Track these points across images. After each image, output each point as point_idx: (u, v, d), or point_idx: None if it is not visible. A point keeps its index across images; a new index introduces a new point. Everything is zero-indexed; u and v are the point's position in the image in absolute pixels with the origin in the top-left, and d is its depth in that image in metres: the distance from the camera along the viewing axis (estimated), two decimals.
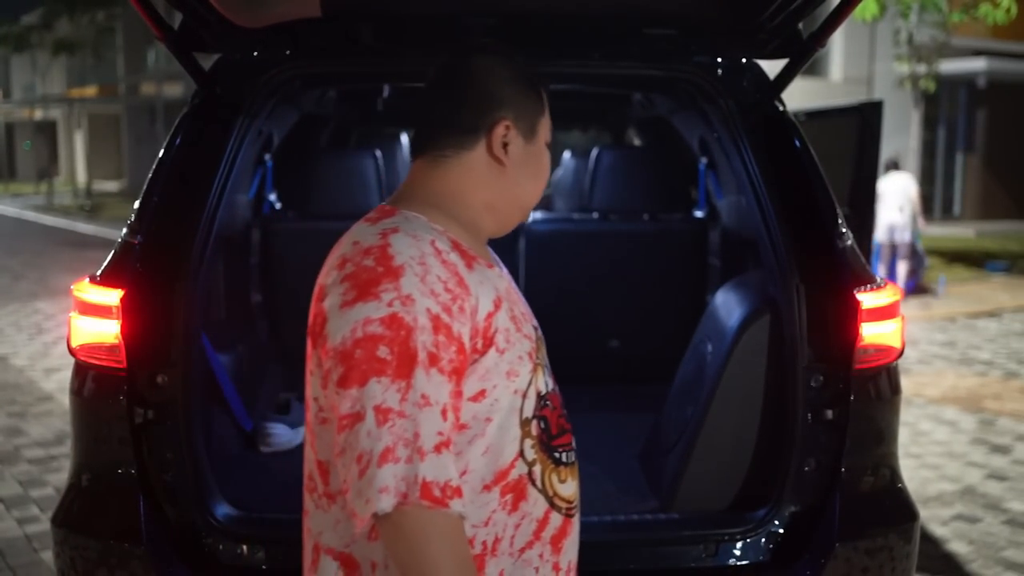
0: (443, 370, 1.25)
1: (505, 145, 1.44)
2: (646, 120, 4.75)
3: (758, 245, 2.52)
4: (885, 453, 2.41)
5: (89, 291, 2.27)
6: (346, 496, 1.25)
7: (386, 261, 1.28)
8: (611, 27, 2.59)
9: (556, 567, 1.44)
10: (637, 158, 4.56)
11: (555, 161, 5.30)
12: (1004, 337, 8.86)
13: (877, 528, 2.34)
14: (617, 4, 2.41)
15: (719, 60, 2.62)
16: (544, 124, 1.51)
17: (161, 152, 2.45)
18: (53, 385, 6.65)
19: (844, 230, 2.41)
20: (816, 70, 19.91)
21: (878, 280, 2.39)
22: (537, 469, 1.39)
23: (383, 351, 1.23)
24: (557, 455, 1.43)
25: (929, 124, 19.75)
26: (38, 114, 38.34)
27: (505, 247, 3.33)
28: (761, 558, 2.29)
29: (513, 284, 1.49)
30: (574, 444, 1.49)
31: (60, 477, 4.63)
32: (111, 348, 2.23)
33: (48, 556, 3.72)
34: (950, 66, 17.48)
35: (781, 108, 2.59)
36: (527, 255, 3.81)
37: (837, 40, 19.48)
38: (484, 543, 1.36)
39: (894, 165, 11.01)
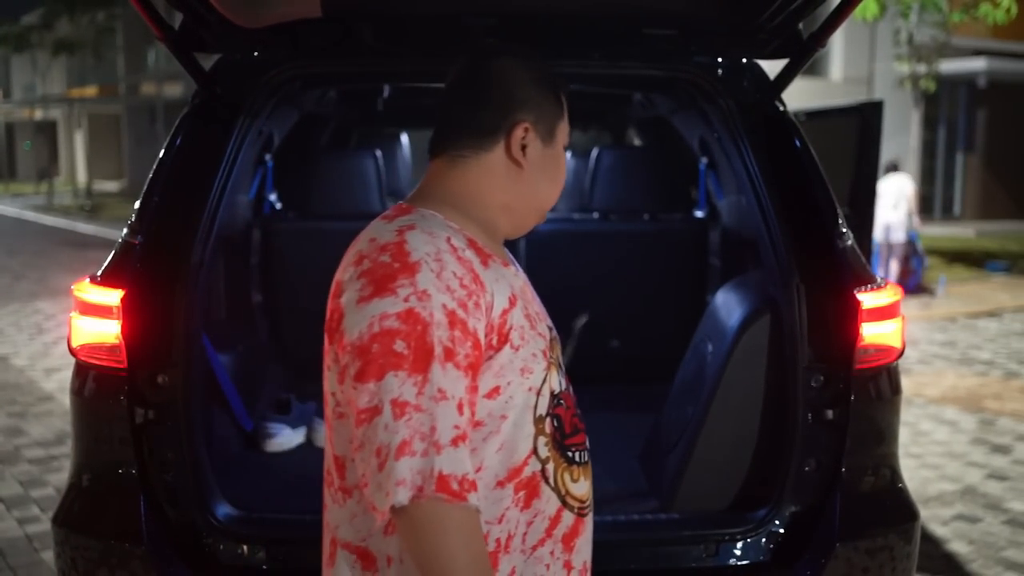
0: (459, 365, 1.26)
1: (523, 147, 1.45)
2: (646, 120, 4.75)
3: (758, 245, 2.52)
4: (885, 453, 2.41)
5: (90, 291, 2.27)
6: (364, 490, 1.26)
7: (402, 257, 1.29)
8: (611, 27, 2.59)
9: (568, 565, 1.44)
10: (637, 158, 4.56)
11: None
12: (1004, 337, 8.86)
13: (877, 528, 2.34)
14: (617, 4, 2.41)
15: (719, 60, 2.62)
16: (563, 127, 1.52)
17: (161, 152, 2.45)
18: (53, 385, 6.65)
19: (844, 230, 2.41)
20: (816, 70, 19.91)
21: (878, 280, 2.39)
22: (550, 467, 1.40)
23: (400, 345, 1.24)
24: (570, 454, 1.44)
25: (929, 124, 19.75)
26: (38, 114, 38.34)
27: (506, 247, 3.32)
28: (761, 558, 2.29)
29: (528, 283, 1.50)
30: (588, 444, 1.50)
31: (61, 477, 4.64)
32: (112, 348, 2.23)
33: (49, 556, 3.73)
34: (950, 66, 17.49)
35: (781, 108, 2.59)
36: (527, 255, 3.81)
37: (837, 40, 19.48)
38: (498, 540, 1.37)
39: (894, 167, 11.03)
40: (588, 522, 1.49)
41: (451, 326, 1.26)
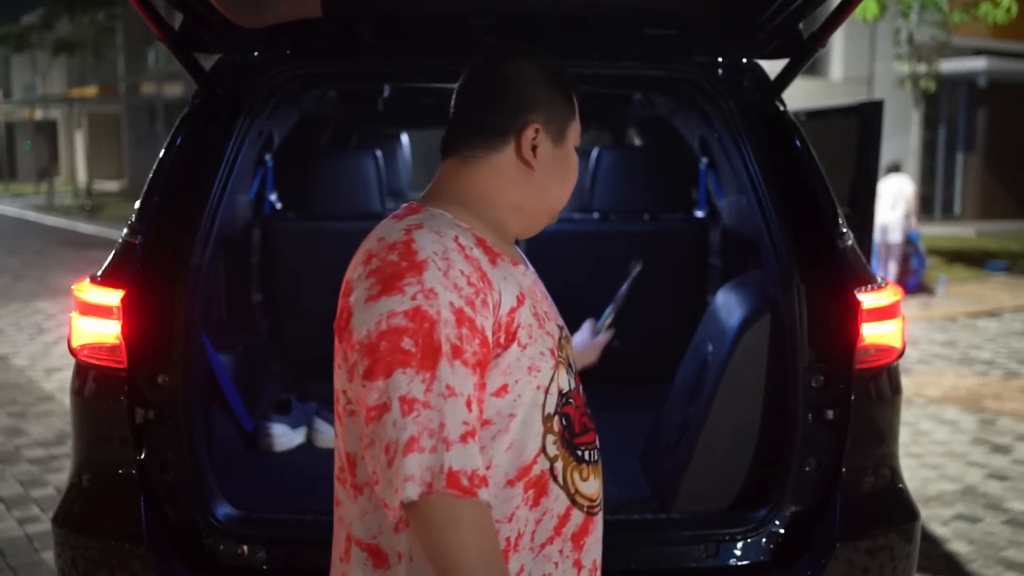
0: (467, 362, 1.27)
1: (534, 148, 1.45)
2: (646, 120, 4.75)
3: (758, 245, 2.52)
4: (886, 453, 2.41)
5: (90, 291, 2.27)
6: (375, 487, 1.27)
7: (410, 256, 1.30)
8: (611, 27, 2.59)
9: (577, 564, 1.45)
10: (637, 158, 4.56)
11: None
12: (1004, 337, 8.86)
13: (878, 528, 2.34)
14: (617, 4, 2.41)
15: (719, 60, 2.62)
16: (574, 128, 1.52)
17: (162, 152, 2.45)
18: (54, 385, 6.65)
19: (845, 230, 2.41)
20: (816, 70, 19.90)
21: (879, 280, 2.39)
22: (559, 465, 1.41)
23: (407, 343, 1.25)
24: (579, 453, 1.44)
25: (929, 124, 19.74)
26: (38, 114, 38.34)
27: None
28: (762, 558, 2.29)
29: (539, 282, 1.51)
30: (598, 443, 1.50)
31: (61, 477, 4.64)
32: (112, 348, 2.23)
33: (49, 556, 3.73)
34: (950, 66, 17.48)
35: (782, 108, 2.59)
36: (528, 255, 3.80)
37: (837, 40, 19.47)
38: (508, 539, 1.37)
39: (895, 168, 11.03)
40: (598, 521, 1.50)
41: (459, 324, 1.27)
